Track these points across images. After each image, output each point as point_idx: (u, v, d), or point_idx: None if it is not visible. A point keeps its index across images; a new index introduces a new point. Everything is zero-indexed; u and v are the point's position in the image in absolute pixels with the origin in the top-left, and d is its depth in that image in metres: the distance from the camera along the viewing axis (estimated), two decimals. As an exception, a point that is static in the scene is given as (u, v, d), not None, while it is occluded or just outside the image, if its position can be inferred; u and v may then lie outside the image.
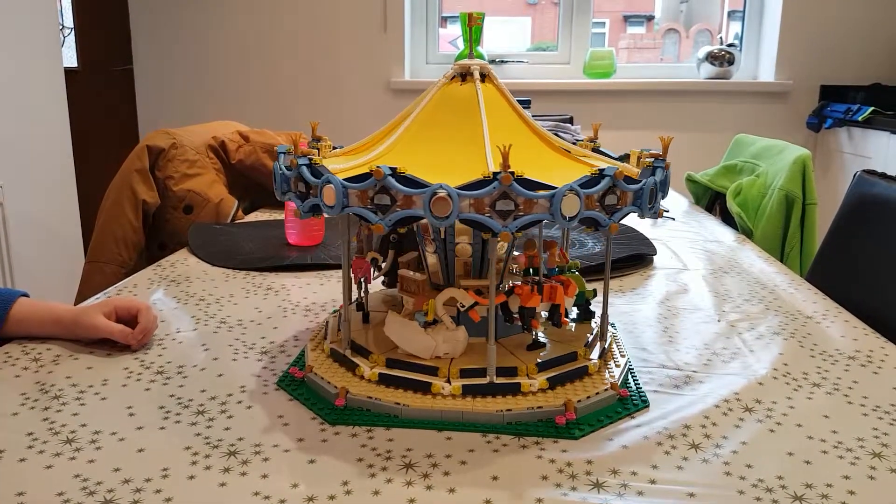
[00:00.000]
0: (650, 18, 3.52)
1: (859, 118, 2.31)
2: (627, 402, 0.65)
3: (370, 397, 0.63)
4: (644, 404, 0.65)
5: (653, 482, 0.53)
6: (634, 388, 0.68)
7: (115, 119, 3.02)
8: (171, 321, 0.86)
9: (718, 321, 0.88)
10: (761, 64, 2.74)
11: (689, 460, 0.56)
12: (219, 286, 1.00)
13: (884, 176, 1.01)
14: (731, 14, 3.02)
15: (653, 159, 0.65)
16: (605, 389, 0.65)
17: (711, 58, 2.70)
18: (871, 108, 2.30)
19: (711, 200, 1.64)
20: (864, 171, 1.05)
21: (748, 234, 1.35)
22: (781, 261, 1.33)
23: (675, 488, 0.52)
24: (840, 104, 2.49)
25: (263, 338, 0.81)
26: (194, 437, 0.59)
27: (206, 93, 2.85)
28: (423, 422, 0.61)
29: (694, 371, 0.73)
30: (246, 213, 1.54)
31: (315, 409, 0.63)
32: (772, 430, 0.61)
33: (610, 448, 0.58)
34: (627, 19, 3.58)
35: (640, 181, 0.60)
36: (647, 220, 1.44)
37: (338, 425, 0.61)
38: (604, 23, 3.42)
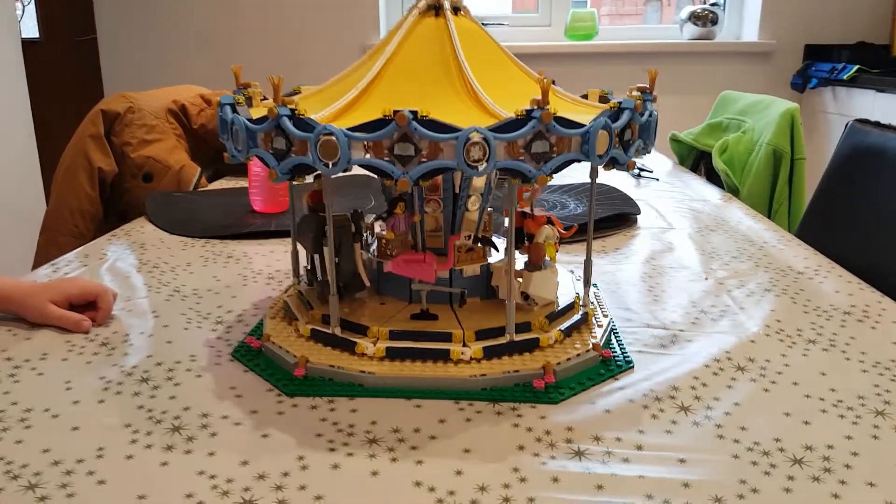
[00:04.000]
0: (632, -13, 3.49)
1: (844, 77, 2.27)
2: (611, 363, 0.60)
3: (332, 366, 0.58)
4: (628, 365, 0.60)
5: (639, 448, 0.48)
6: (618, 348, 0.63)
7: (79, 91, 2.91)
8: (120, 291, 0.79)
9: (706, 279, 0.83)
10: (745, 24, 2.68)
11: (679, 424, 0.51)
12: (175, 255, 0.94)
13: (878, 125, 0.96)
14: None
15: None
16: (587, 350, 0.60)
17: (694, 17, 2.64)
18: (857, 67, 2.25)
19: (696, 160, 1.60)
20: (856, 120, 1.00)
21: (735, 192, 1.31)
22: (769, 218, 1.28)
23: (663, 454, 0.47)
24: (825, 63, 2.44)
25: (220, 307, 0.75)
26: (136, 410, 0.54)
27: (174, 60, 2.74)
28: (391, 390, 0.56)
29: (681, 330, 0.68)
30: (210, 181, 1.46)
31: (272, 381, 0.58)
32: (766, 390, 0.56)
33: (592, 412, 0.53)
34: (609, -13, 3.55)
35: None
36: (630, 180, 1.39)
37: (296, 397, 0.56)
38: (586, -7, 3.40)
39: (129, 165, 1.35)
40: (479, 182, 0.67)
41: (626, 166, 0.56)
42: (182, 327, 0.70)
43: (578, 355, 0.59)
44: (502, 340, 0.59)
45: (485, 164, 0.50)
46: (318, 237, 0.64)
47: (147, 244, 0.99)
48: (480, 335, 0.59)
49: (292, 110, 0.52)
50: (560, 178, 1.52)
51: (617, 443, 0.49)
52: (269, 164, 0.54)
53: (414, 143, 0.50)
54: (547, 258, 0.63)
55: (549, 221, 0.66)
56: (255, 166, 1.13)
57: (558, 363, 0.57)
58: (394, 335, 0.59)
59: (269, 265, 0.90)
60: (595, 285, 0.79)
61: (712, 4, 2.68)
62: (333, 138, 0.50)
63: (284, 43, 2.67)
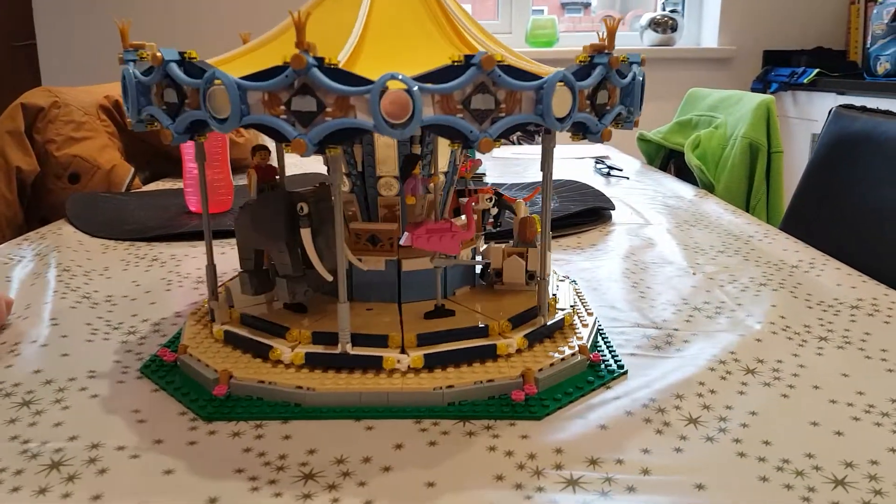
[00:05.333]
0: (587, 6, 3.51)
1: (804, 80, 2.26)
2: (600, 368, 0.51)
3: (262, 382, 0.47)
4: (621, 371, 0.50)
5: (646, 472, 0.38)
6: (607, 351, 0.54)
7: (17, 97, 2.74)
8: (20, 298, 0.67)
9: (693, 274, 0.75)
10: (704, 30, 2.68)
11: (689, 440, 0.42)
12: (93, 258, 0.82)
13: (864, 109, 0.90)
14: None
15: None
16: (572, 354, 0.50)
17: (654, 24, 2.61)
18: (816, 71, 2.24)
19: (665, 159, 1.53)
20: (840, 106, 0.94)
21: (709, 188, 1.24)
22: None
23: (676, 479, 0.38)
24: (784, 68, 2.44)
25: (135, 315, 0.63)
26: (8, 442, 0.42)
27: (115, 66, 2.59)
28: (335, 409, 0.45)
29: (675, 329, 0.59)
30: (145, 183, 1.34)
31: (186, 401, 0.47)
32: (785, 396, 0.47)
33: (585, 429, 0.43)
34: (565, 7, 3.63)
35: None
36: (599, 179, 1.31)
37: (215, 421, 0.44)
38: (542, 10, 3.49)
39: (52, 165, 1.22)
40: (441, 160, 0.57)
41: (634, 124, 0.50)
42: (84, 338, 0.58)
43: (563, 359, 0.49)
44: (536, 326, 0.52)
45: (569, 118, 0.42)
46: (291, 218, 0.50)
47: (62, 246, 0.86)
48: (515, 322, 0.51)
49: (320, 59, 0.39)
50: (530, 176, 1.43)
51: (618, 466, 0.39)
52: (285, 133, 0.39)
53: (492, 93, 0.40)
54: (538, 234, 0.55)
55: (497, 193, 0.58)
56: (190, 162, 1.01)
57: (540, 369, 0.48)
58: (423, 340, 0.48)
59: (199, 268, 0.78)
60: (574, 282, 0.70)
61: (671, 11, 2.67)
62: (404, 92, 0.38)
63: (236, 42, 2.55)
